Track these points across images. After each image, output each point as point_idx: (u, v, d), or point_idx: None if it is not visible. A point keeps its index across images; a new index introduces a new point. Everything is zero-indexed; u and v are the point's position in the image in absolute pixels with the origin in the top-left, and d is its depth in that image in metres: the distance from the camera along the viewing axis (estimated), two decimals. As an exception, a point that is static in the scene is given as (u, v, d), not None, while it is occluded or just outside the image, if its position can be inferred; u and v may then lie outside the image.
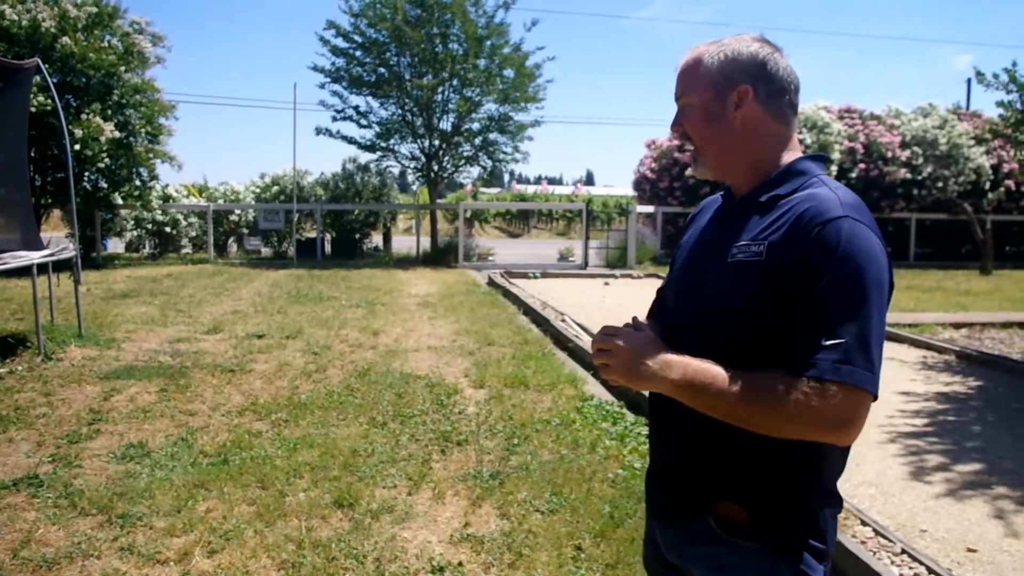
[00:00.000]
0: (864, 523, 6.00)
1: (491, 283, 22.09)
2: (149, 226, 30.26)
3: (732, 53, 2.37)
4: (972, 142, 31.69)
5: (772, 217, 2.26)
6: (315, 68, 29.87)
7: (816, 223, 2.13)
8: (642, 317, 2.48)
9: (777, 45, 2.42)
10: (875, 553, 5.51)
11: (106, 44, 22.72)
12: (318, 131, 30.64)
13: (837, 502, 2.37)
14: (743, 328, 2.22)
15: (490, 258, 31.70)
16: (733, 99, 2.36)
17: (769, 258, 2.19)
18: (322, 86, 30.28)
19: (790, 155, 2.40)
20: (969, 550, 5.77)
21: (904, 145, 31.40)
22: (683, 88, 2.45)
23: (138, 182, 25.14)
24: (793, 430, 2.10)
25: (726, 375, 2.12)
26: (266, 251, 33.26)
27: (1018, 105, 14.00)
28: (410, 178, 35.13)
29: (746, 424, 2.13)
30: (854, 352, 2.03)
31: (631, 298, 20.22)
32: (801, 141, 2.74)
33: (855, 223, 2.13)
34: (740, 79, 2.35)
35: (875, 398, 2.06)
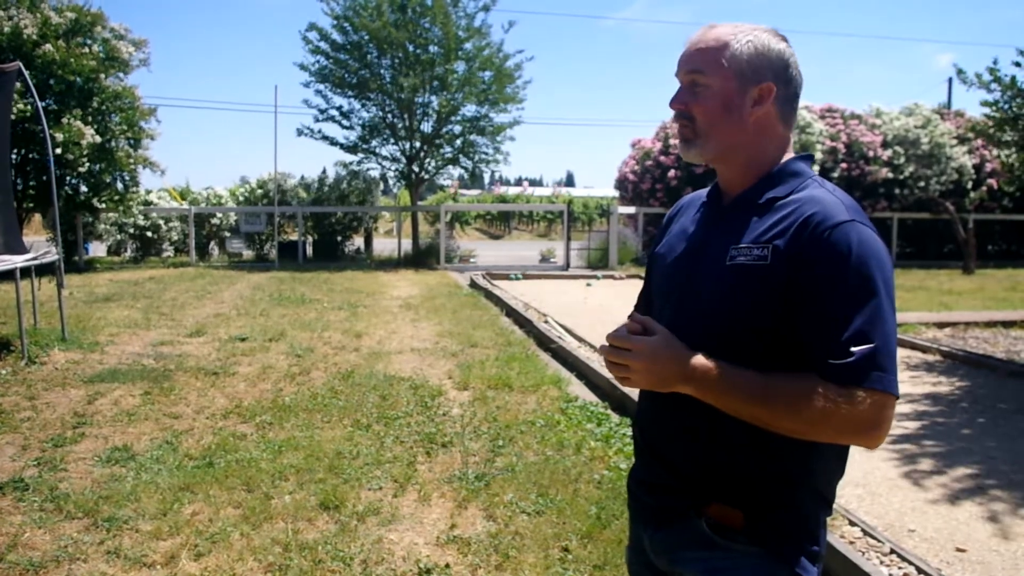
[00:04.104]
0: (852, 523, 6.00)
1: (473, 285, 22.08)
2: (131, 230, 30.14)
3: (761, 47, 2.31)
4: (954, 141, 31.76)
5: (773, 219, 2.23)
6: (300, 66, 29.86)
7: (825, 227, 2.12)
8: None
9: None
10: (864, 553, 5.52)
11: (87, 50, 22.68)
12: (300, 132, 30.67)
13: (830, 505, 2.36)
14: (744, 332, 2.20)
15: (472, 260, 31.72)
16: (754, 95, 2.30)
17: (775, 262, 2.16)
18: (307, 84, 30.30)
19: (784, 156, 2.37)
20: (958, 550, 5.78)
21: (886, 144, 31.46)
22: (700, 65, 2.34)
23: (120, 185, 25.13)
24: (822, 434, 2.11)
25: (754, 378, 2.11)
26: (248, 254, 33.21)
27: (1002, 104, 13.95)
28: (391, 180, 35.14)
29: (770, 426, 2.12)
30: (880, 357, 2.04)
31: (613, 299, 20.23)
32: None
33: (862, 227, 2.13)
34: (766, 76, 2.30)
35: (897, 399, 2.09)
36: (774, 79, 2.30)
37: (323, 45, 29.20)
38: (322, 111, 30.35)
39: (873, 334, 2.05)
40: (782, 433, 2.13)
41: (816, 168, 29.64)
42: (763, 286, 2.17)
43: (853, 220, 2.13)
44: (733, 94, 2.30)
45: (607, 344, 2.26)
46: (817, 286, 2.10)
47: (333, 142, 30.71)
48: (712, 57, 2.32)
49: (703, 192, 2.60)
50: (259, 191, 32.61)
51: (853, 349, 2.03)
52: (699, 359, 2.15)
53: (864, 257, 2.09)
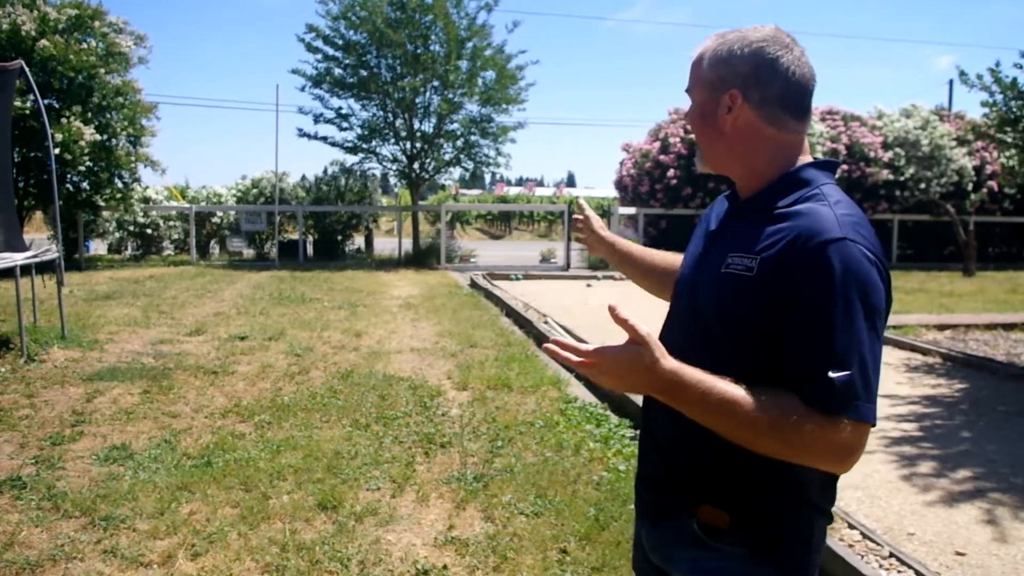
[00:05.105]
0: (851, 526, 5.99)
1: (473, 285, 22.06)
2: (131, 228, 30.20)
3: (727, 53, 2.28)
4: (954, 143, 31.66)
5: (768, 230, 2.18)
6: (295, 72, 29.79)
7: (812, 245, 2.06)
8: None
9: (789, 41, 2.29)
10: (863, 557, 5.50)
11: (86, 46, 22.70)
12: (300, 134, 30.65)
13: (826, 514, 2.33)
14: (733, 340, 2.18)
15: (472, 259, 31.69)
16: (726, 102, 2.28)
17: (760, 274, 2.12)
18: (302, 89, 30.29)
19: (793, 161, 2.31)
20: (958, 553, 5.77)
21: (886, 146, 31.37)
22: (689, 81, 2.40)
23: (120, 184, 25.15)
24: (795, 456, 2.06)
25: (733, 397, 2.01)
26: (248, 253, 33.24)
27: (1001, 106, 13.93)
28: (392, 180, 35.15)
29: (747, 445, 2.06)
30: (858, 385, 1.99)
31: (614, 299, 20.12)
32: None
33: (852, 245, 2.07)
34: (732, 82, 2.27)
35: (873, 426, 2.05)
36: (741, 85, 2.26)
37: (321, 45, 29.17)
38: (318, 115, 30.35)
39: (851, 362, 2.00)
40: (758, 452, 2.07)
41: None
42: (747, 297, 2.14)
43: (844, 238, 2.08)
44: (707, 104, 2.34)
45: (568, 352, 2.15)
46: (798, 306, 2.06)
47: (333, 143, 30.71)
48: (694, 71, 2.39)
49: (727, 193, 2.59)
50: (254, 190, 32.61)
51: (832, 376, 1.98)
52: (671, 373, 2.05)
53: (848, 279, 2.04)
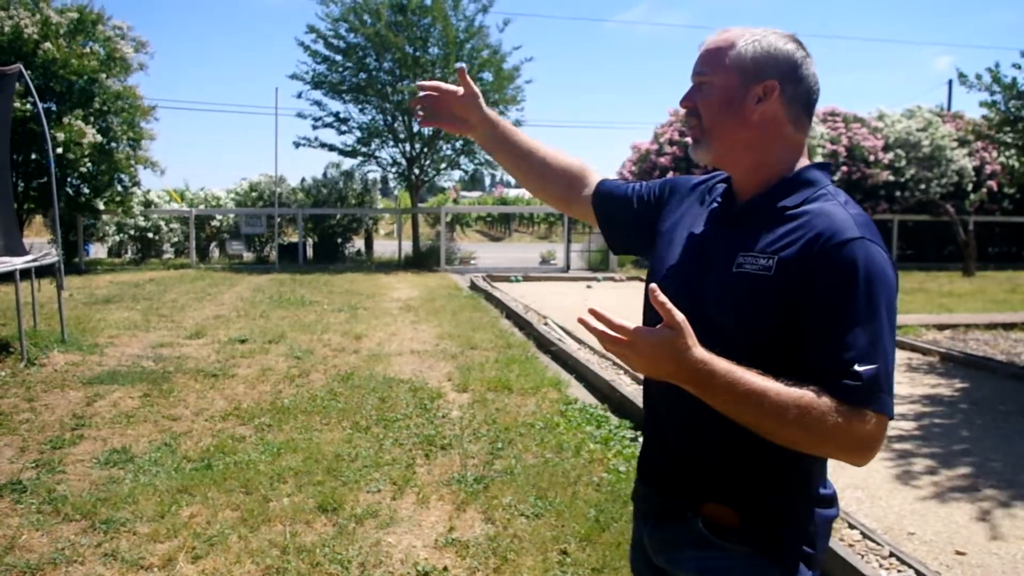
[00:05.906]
0: (851, 526, 5.97)
1: (473, 287, 22.10)
2: (131, 231, 30.23)
3: (768, 46, 2.29)
4: (955, 144, 31.62)
5: (782, 230, 2.21)
6: (294, 76, 29.77)
7: (833, 244, 2.10)
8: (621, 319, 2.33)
9: (808, 49, 2.35)
10: (863, 556, 5.49)
11: (88, 50, 22.69)
12: (297, 144, 30.69)
13: (828, 505, 2.34)
14: (746, 341, 2.17)
15: (472, 262, 31.75)
16: (757, 92, 2.27)
17: (779, 274, 2.14)
18: (299, 95, 30.35)
19: (799, 162, 2.34)
20: (958, 553, 5.77)
21: (887, 147, 31.31)
22: (705, 66, 2.35)
23: (120, 187, 25.13)
24: (815, 448, 2.09)
25: (760, 386, 2.02)
26: (248, 256, 33.21)
27: (1001, 106, 13.95)
28: (391, 182, 35.14)
29: (769, 436, 2.07)
30: (881, 379, 2.04)
31: (614, 301, 20.13)
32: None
33: (871, 245, 2.11)
34: (771, 74, 2.27)
35: (891, 420, 2.09)
36: (779, 77, 2.27)
37: (321, 48, 29.18)
38: (316, 119, 30.37)
39: (877, 355, 2.04)
40: (777, 443, 2.08)
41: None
42: (765, 297, 2.15)
43: (863, 238, 2.11)
44: (734, 90, 2.29)
45: (603, 325, 2.08)
46: (823, 302, 2.08)
47: (331, 148, 30.72)
48: (717, 56, 2.33)
49: (697, 179, 2.61)
50: (253, 193, 32.67)
51: (859, 369, 2.01)
52: (700, 362, 2.04)
53: (871, 278, 2.08)
